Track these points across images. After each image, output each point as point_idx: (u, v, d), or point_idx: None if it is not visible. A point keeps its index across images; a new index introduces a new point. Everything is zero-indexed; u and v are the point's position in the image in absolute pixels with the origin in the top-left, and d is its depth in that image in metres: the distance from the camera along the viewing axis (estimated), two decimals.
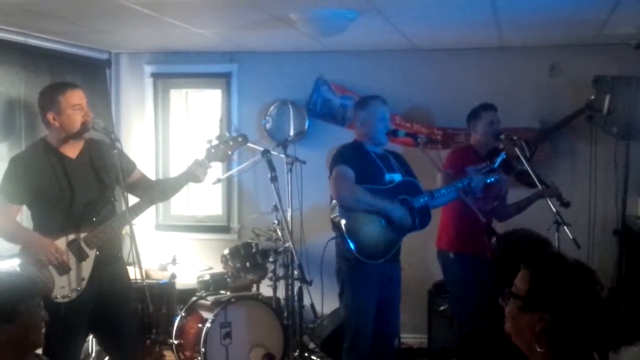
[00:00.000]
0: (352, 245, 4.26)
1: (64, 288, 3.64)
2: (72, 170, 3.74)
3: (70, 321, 3.63)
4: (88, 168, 3.80)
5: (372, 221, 4.31)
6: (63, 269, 3.65)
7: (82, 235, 3.70)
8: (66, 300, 3.64)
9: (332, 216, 4.38)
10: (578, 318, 1.91)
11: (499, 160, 4.61)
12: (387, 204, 4.32)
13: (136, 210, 3.78)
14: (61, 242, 3.66)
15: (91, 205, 3.75)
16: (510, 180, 5.08)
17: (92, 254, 3.71)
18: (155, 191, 3.88)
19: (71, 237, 3.69)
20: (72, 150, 3.78)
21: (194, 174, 3.85)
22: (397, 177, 4.48)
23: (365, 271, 4.33)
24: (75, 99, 3.71)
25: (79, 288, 3.67)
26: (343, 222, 4.27)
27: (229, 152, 3.96)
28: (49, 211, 3.73)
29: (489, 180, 4.54)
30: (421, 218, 4.44)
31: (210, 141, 3.91)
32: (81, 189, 3.74)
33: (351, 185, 4.28)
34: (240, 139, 3.99)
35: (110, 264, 3.83)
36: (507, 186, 5.07)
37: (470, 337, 4.76)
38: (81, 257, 3.69)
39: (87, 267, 3.70)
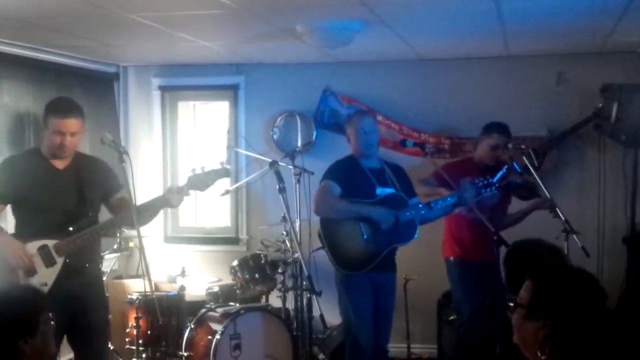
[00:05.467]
0: (332, 257, 4.40)
1: None
2: (56, 179, 3.89)
3: None
4: (72, 180, 3.92)
5: (352, 233, 4.40)
6: (30, 272, 3.75)
7: (54, 242, 3.79)
8: None
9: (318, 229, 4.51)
10: (579, 325, 1.92)
11: (499, 174, 4.64)
12: (366, 207, 4.39)
13: (111, 227, 3.92)
14: (32, 246, 3.76)
15: (69, 215, 3.86)
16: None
17: (60, 261, 3.80)
18: (132, 214, 3.82)
19: (43, 242, 3.78)
20: (60, 162, 3.92)
21: (166, 199, 3.91)
22: (390, 191, 4.51)
23: (358, 279, 4.43)
24: (62, 127, 3.79)
25: None
26: (324, 234, 4.41)
27: (209, 183, 3.97)
28: (29, 216, 3.88)
29: (484, 192, 4.55)
30: (404, 231, 4.46)
31: (193, 170, 3.95)
32: (61, 199, 3.87)
33: (330, 199, 4.40)
34: (222, 172, 4.01)
35: (79, 273, 3.90)
36: (509, 197, 5.10)
37: (467, 336, 4.88)
38: (49, 262, 3.78)
39: (52, 273, 3.79)
